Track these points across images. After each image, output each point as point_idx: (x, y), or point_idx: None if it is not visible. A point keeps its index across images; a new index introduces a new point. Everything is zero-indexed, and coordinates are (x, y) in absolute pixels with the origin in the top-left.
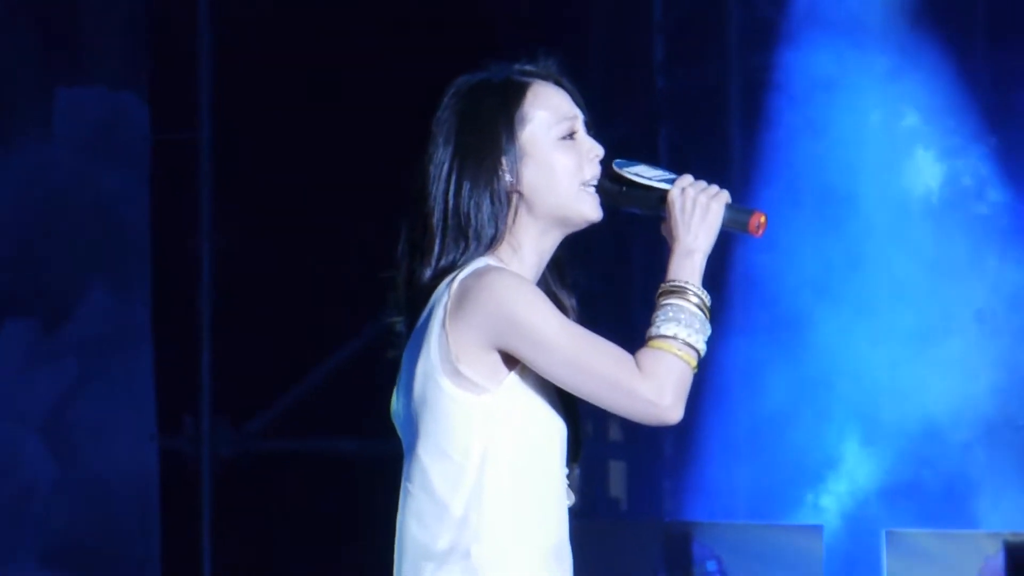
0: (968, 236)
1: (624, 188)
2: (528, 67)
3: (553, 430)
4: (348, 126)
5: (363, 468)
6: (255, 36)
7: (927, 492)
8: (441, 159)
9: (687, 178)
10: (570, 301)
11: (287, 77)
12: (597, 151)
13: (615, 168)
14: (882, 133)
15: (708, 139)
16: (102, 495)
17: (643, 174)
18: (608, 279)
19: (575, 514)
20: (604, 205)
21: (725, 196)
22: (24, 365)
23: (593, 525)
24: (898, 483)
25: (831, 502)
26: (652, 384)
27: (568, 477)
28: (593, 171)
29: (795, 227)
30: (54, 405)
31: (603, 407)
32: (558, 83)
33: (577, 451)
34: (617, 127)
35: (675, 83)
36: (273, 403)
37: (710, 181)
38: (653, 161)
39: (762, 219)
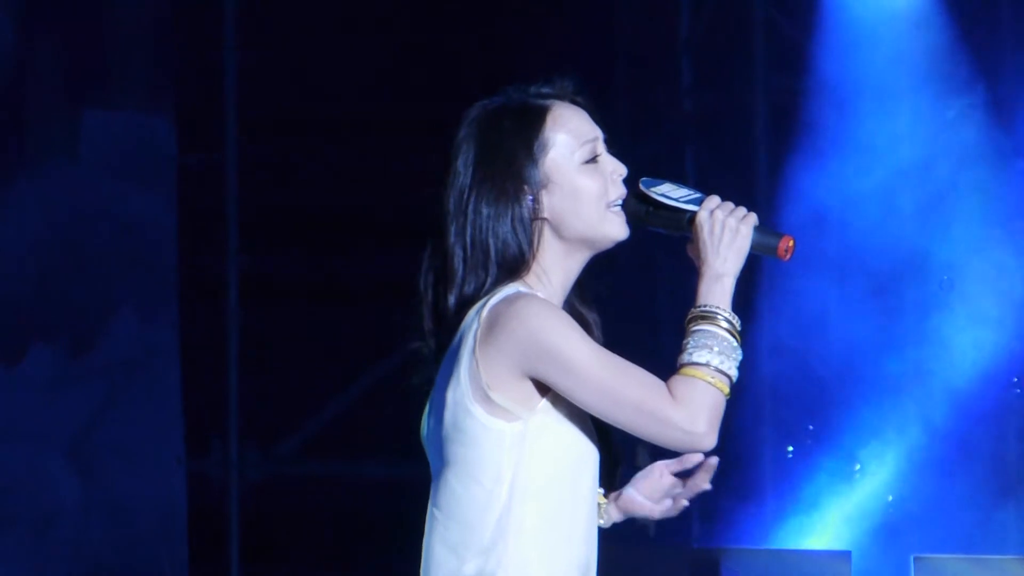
0: (1000, 260)
1: (651, 208)
2: (545, 89)
3: (585, 456)
4: (373, 148)
5: (390, 492)
6: (280, 60)
7: (956, 518)
8: (462, 187)
9: (714, 199)
10: (592, 316)
11: (312, 100)
12: (621, 171)
13: (641, 188)
14: (909, 153)
15: (734, 160)
16: (129, 519)
17: (670, 194)
18: (633, 293)
19: (603, 538)
20: (630, 222)
21: (753, 219)
22: (51, 388)
23: (621, 551)
24: (926, 509)
25: (860, 527)
26: (686, 412)
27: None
28: (618, 192)
29: (820, 248)
30: (81, 428)
31: (636, 435)
32: (574, 102)
33: (613, 476)
34: (644, 148)
35: (702, 105)
36: (301, 427)
37: (737, 202)
38: (679, 179)
39: (790, 243)
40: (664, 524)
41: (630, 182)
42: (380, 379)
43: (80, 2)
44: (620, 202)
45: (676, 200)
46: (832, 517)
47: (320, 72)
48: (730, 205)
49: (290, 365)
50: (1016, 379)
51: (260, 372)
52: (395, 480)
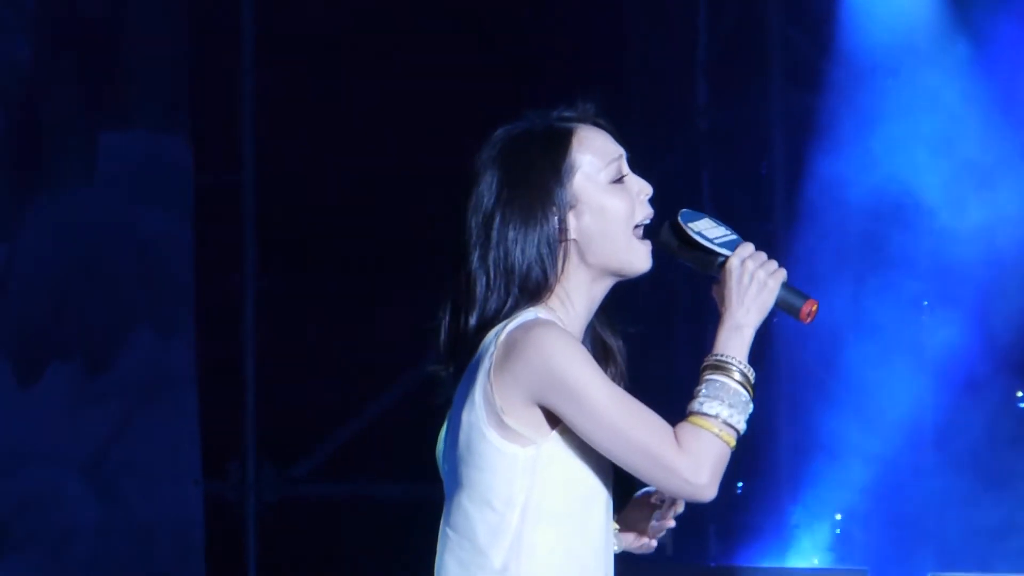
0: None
1: (684, 244)
2: (567, 113)
3: (599, 482)
4: (390, 169)
5: (407, 513)
6: (297, 79)
7: (971, 536)
8: (487, 210)
9: (748, 247)
10: (616, 343)
11: (329, 120)
12: (647, 191)
13: (680, 221)
14: (927, 173)
15: (750, 180)
16: (146, 539)
17: (706, 233)
18: (652, 328)
19: (619, 559)
20: (655, 253)
21: (782, 275)
22: (68, 408)
23: (639, 569)
24: (943, 526)
25: (877, 545)
26: (689, 461)
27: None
28: (644, 212)
29: (838, 268)
30: (97, 449)
31: (637, 476)
32: (597, 124)
33: (624, 505)
34: (659, 167)
35: (717, 124)
36: (317, 448)
37: (753, 227)
38: (718, 217)
39: (814, 307)
40: (682, 542)
41: (656, 203)
42: (395, 401)
43: (97, 23)
44: (647, 222)
45: (711, 241)
46: (849, 534)
47: (337, 93)
48: (762, 256)
49: (306, 386)
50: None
51: (277, 393)
52: (410, 501)
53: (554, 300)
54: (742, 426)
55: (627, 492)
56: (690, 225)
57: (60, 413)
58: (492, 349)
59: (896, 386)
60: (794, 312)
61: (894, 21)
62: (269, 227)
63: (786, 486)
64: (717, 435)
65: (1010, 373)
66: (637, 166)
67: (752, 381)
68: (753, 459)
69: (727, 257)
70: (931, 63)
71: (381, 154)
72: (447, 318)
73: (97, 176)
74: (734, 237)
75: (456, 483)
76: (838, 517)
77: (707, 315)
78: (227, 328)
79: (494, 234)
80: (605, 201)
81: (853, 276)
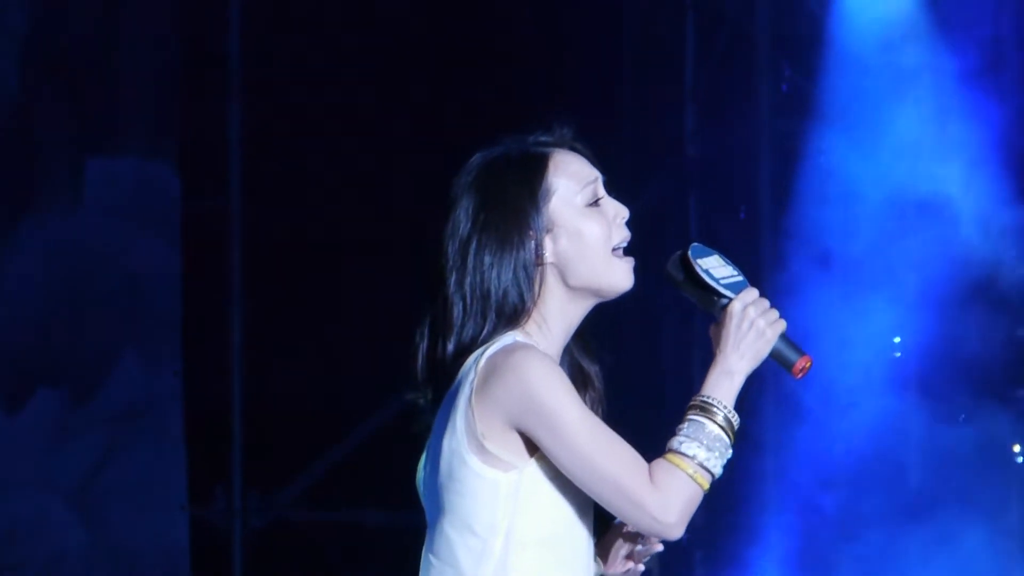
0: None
1: (689, 278)
2: (544, 137)
3: (580, 507)
4: (376, 195)
5: (391, 539)
6: (283, 107)
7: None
8: (464, 236)
9: (752, 293)
10: (593, 368)
11: (314, 146)
12: (623, 214)
13: (689, 255)
14: (913, 199)
15: (738, 206)
16: (133, 564)
17: (713, 272)
18: (639, 367)
19: None
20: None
21: (782, 326)
22: (55, 434)
23: None
24: (937, 553)
25: (856, 568)
26: (659, 499)
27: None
28: (621, 235)
29: (825, 292)
30: (84, 474)
31: (606, 507)
32: (573, 148)
33: (605, 531)
34: (648, 193)
35: (705, 150)
36: (303, 474)
37: (741, 252)
38: (726, 255)
39: (807, 364)
40: (667, 565)
41: (644, 228)
42: (378, 428)
43: (87, 51)
44: (624, 244)
45: (717, 281)
46: (840, 559)
47: (323, 119)
48: (765, 304)
49: (292, 413)
50: None
51: (262, 420)
52: (394, 527)
53: (531, 324)
54: (718, 470)
55: (608, 518)
56: (699, 261)
57: (47, 439)
58: (472, 375)
59: (894, 413)
60: (787, 365)
61: (881, 49)
62: (255, 253)
63: (771, 510)
64: (691, 476)
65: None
66: (625, 191)
67: (735, 427)
68: (738, 485)
69: (730, 300)
70: (918, 89)
71: (367, 183)
72: (424, 344)
73: (85, 202)
74: (740, 279)
75: (438, 510)
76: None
77: (694, 362)
78: (214, 354)
79: (471, 259)
80: (581, 224)
81: (841, 302)
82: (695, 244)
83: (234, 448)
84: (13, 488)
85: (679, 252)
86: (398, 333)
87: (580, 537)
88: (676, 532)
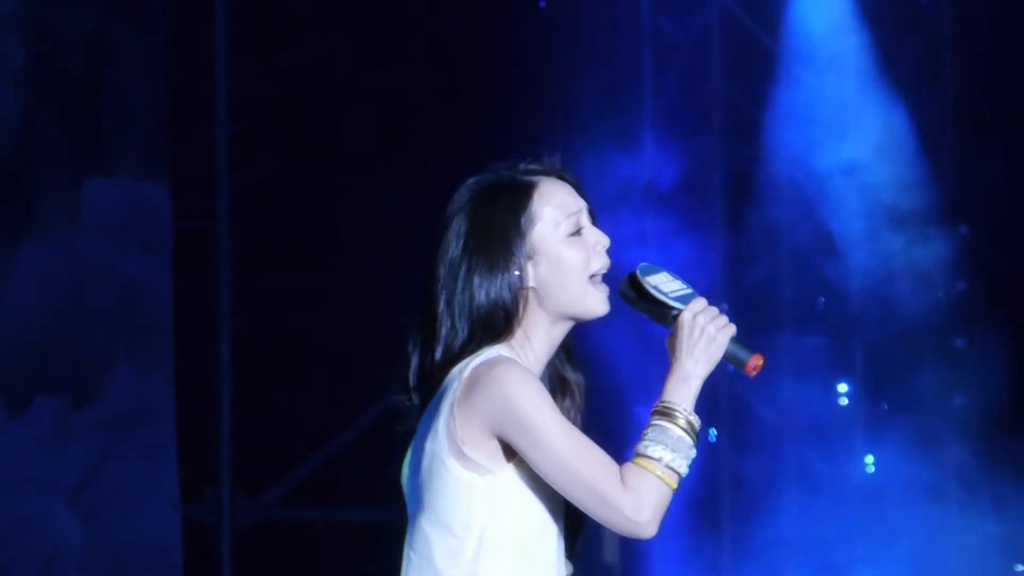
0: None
1: (641, 296)
2: (533, 165)
3: (551, 514)
4: (363, 213)
5: (375, 537)
6: (271, 126)
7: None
8: (453, 257)
9: (700, 303)
10: (576, 378)
11: (303, 165)
12: (604, 242)
13: (638, 274)
14: (862, 219)
15: (696, 227)
16: (128, 562)
17: (662, 287)
18: (603, 384)
19: None
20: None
21: (732, 330)
22: (54, 439)
23: None
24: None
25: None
26: (632, 500)
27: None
28: (600, 263)
29: (783, 308)
30: (82, 477)
31: (583, 510)
32: (561, 177)
33: (574, 541)
34: (604, 215)
35: (662, 174)
36: (288, 475)
37: (701, 270)
38: (675, 270)
39: (759, 362)
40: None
41: (629, 272)
42: (361, 431)
43: (81, 77)
44: (603, 271)
45: (666, 295)
46: (788, 561)
47: (311, 138)
48: (714, 311)
49: (278, 418)
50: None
51: (250, 424)
52: (378, 526)
53: (516, 339)
54: (684, 470)
55: (579, 526)
56: (647, 279)
57: (46, 443)
58: (456, 384)
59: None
60: (741, 365)
61: (832, 75)
62: (243, 268)
63: (727, 511)
64: (659, 477)
65: None
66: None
67: (697, 429)
68: (696, 484)
69: (680, 311)
70: (869, 112)
71: (354, 203)
72: (415, 353)
73: (82, 221)
74: (689, 291)
75: (418, 507)
76: None
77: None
78: (204, 364)
79: (460, 280)
80: (562, 253)
81: (801, 318)
82: (642, 263)
83: (222, 451)
84: (13, 489)
85: (628, 273)
86: (383, 337)
87: (550, 542)
88: (650, 531)
